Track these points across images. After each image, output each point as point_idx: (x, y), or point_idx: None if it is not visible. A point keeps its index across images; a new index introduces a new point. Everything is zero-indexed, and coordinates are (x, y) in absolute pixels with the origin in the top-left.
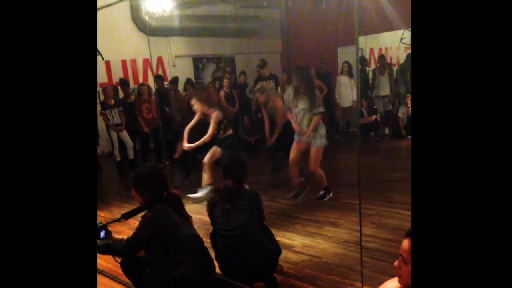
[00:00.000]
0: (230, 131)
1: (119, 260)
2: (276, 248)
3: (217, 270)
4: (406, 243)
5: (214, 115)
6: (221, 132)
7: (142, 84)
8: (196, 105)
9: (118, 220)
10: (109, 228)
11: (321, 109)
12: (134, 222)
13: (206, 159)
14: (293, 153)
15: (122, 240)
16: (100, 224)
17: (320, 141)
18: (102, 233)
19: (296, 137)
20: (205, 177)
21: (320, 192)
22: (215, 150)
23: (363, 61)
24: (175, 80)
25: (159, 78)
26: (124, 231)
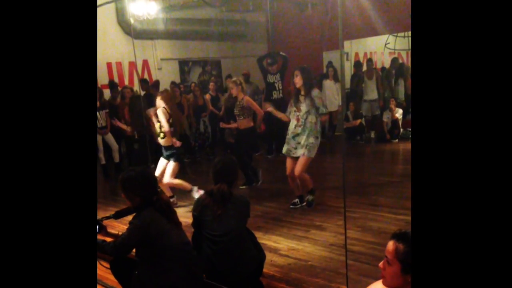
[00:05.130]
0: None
1: (105, 264)
2: (261, 255)
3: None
4: (391, 245)
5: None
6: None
7: (125, 87)
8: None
9: (110, 217)
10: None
11: (327, 109)
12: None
13: (166, 178)
14: (289, 165)
15: (116, 235)
16: None
17: (310, 152)
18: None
19: (286, 149)
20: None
21: (307, 197)
22: (163, 165)
23: (358, 65)
24: (156, 84)
25: (144, 82)
26: (119, 226)
